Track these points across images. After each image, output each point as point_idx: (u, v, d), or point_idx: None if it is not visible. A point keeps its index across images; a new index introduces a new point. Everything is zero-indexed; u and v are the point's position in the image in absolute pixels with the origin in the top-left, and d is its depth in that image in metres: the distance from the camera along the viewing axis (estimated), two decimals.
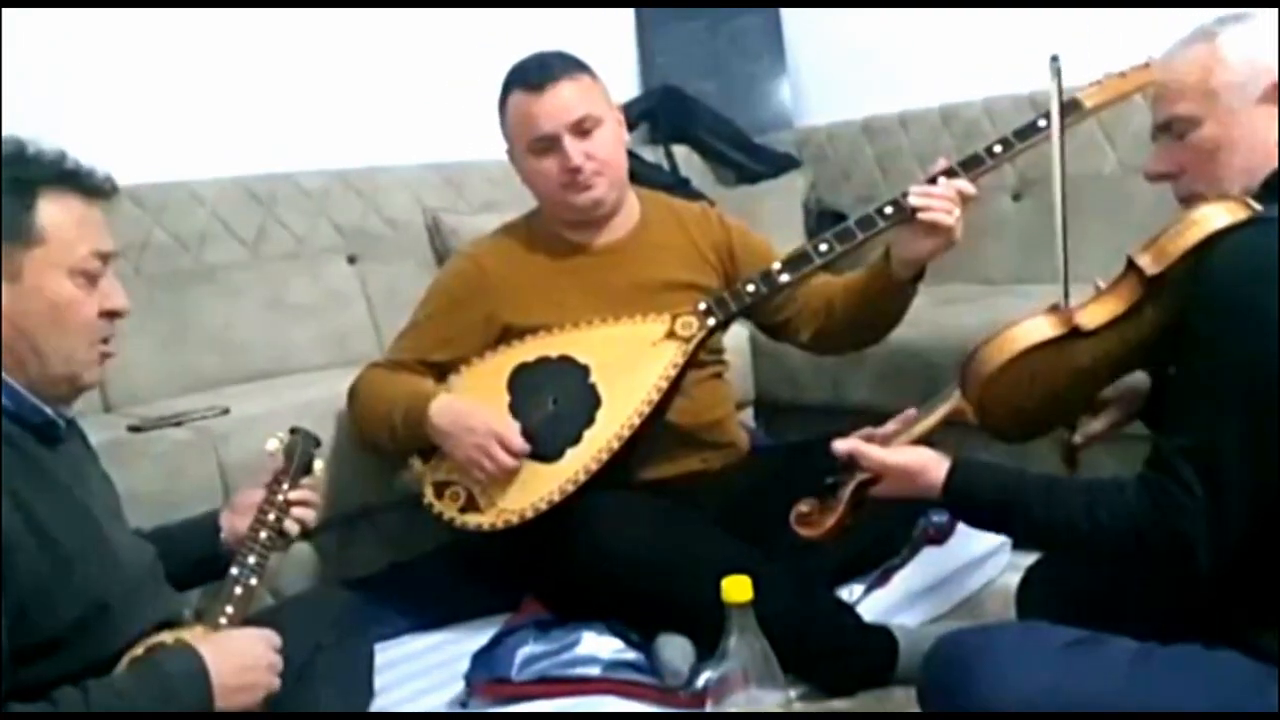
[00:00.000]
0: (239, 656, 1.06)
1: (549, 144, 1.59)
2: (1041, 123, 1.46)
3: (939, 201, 1.45)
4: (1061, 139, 1.24)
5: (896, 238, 1.51)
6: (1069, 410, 1.18)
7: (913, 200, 1.46)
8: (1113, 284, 1.10)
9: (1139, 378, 1.21)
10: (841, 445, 1.18)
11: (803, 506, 1.22)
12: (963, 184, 1.47)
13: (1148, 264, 1.05)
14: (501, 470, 1.50)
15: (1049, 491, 1.06)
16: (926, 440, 1.18)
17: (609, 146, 1.62)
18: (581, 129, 1.59)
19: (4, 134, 1.07)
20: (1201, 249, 1.01)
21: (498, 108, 1.66)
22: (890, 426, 1.22)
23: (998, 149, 1.49)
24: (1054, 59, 1.21)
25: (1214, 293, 0.98)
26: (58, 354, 1.05)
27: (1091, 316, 1.09)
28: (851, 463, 1.18)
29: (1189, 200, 1.09)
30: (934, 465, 1.13)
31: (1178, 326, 1.03)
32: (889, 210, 1.50)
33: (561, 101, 1.58)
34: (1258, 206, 1.02)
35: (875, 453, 1.16)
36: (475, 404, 1.56)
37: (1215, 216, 1.02)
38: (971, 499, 1.12)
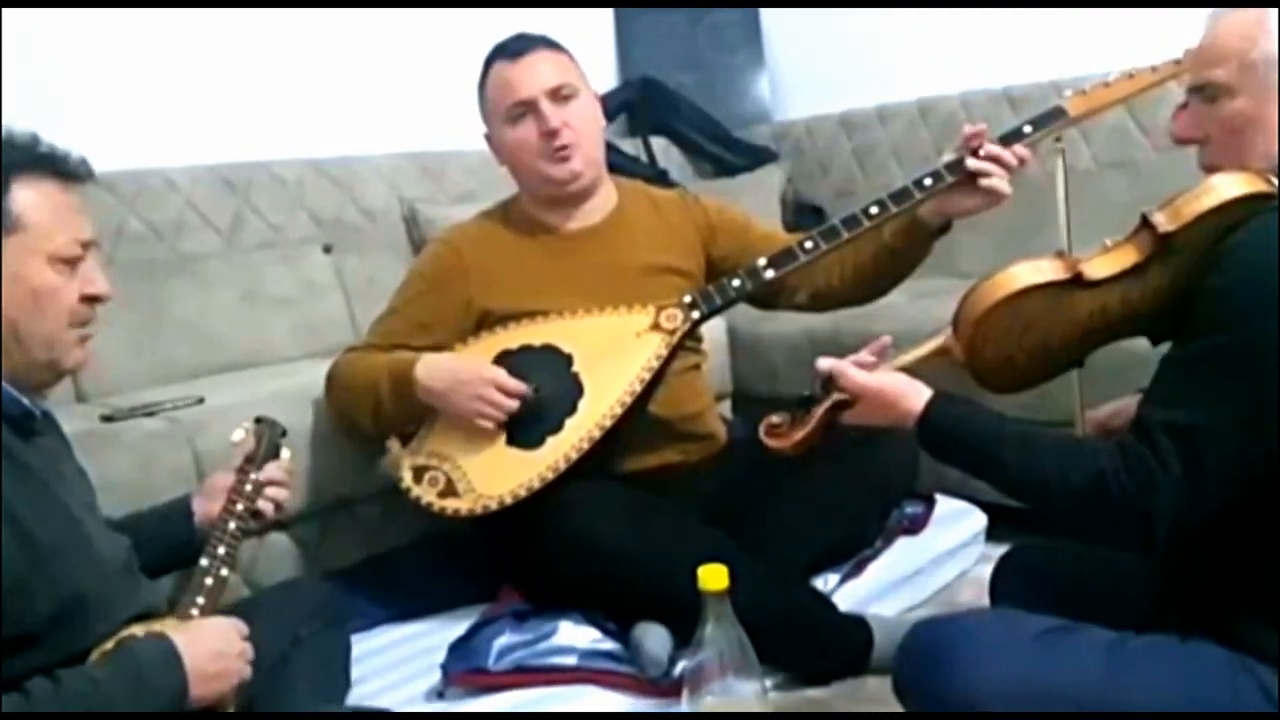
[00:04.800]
0: (210, 643, 1.06)
1: (526, 109, 1.59)
2: (1062, 101, 1.48)
3: (1000, 168, 1.46)
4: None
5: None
6: (1056, 367, 1.17)
7: (972, 164, 1.46)
8: (1123, 240, 1.08)
9: (1130, 408, 1.17)
10: (824, 363, 1.17)
11: (774, 418, 1.21)
12: (1025, 151, 1.47)
13: (1162, 221, 1.04)
14: (504, 413, 1.50)
15: (1025, 442, 1.05)
16: (909, 374, 1.16)
17: (586, 119, 1.63)
18: (559, 95, 1.60)
19: None
20: (1214, 216, 1.00)
21: (478, 88, 1.66)
22: (868, 356, 1.21)
23: (1028, 129, 1.49)
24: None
25: (1229, 275, 0.97)
26: (38, 340, 1.04)
27: (1097, 267, 1.08)
28: (830, 382, 1.17)
29: (1210, 171, 1.06)
30: (913, 394, 1.11)
31: (1177, 302, 1.02)
32: (874, 210, 1.52)
33: (540, 68, 1.60)
34: (1277, 182, 1.00)
35: (855, 375, 1.14)
36: (459, 357, 1.57)
37: (1232, 185, 1.01)
38: (948, 434, 1.10)
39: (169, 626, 1.06)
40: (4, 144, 1.04)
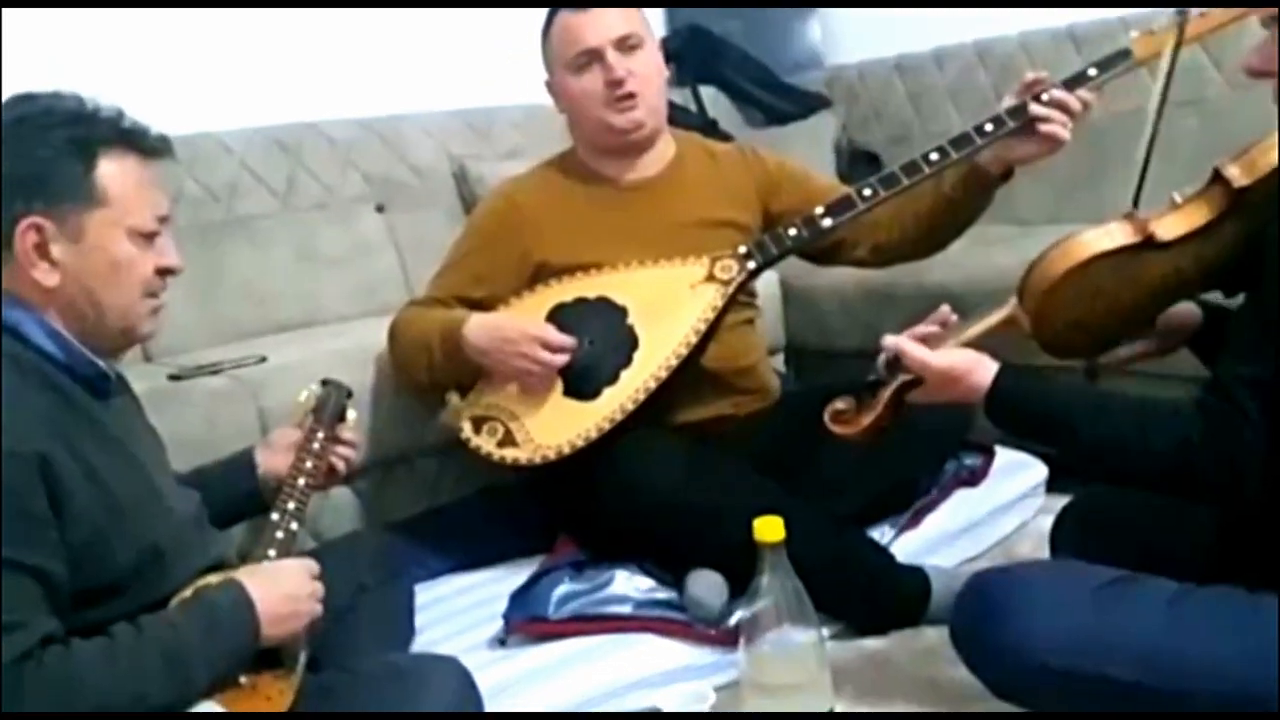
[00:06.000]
0: (281, 586, 1.09)
1: (591, 58, 1.59)
2: (1128, 42, 1.42)
3: (1063, 113, 1.43)
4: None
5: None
6: (1126, 329, 1.13)
7: (1035, 110, 1.43)
8: (1194, 195, 1.04)
9: (1185, 309, 1.16)
10: (890, 340, 1.14)
11: (839, 404, 1.18)
12: (1089, 95, 1.44)
13: (1236, 175, 1.00)
14: (551, 370, 1.52)
15: (1100, 408, 1.02)
16: (974, 348, 1.13)
17: (650, 69, 1.63)
18: (625, 45, 1.60)
19: (51, 89, 1.08)
20: None
21: (541, 36, 1.66)
22: (931, 327, 1.17)
23: (1092, 73, 1.45)
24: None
25: None
26: (114, 309, 1.08)
27: (1169, 227, 1.04)
28: (895, 362, 1.14)
29: None
30: (980, 368, 1.08)
31: (1252, 251, 0.98)
32: (934, 156, 1.49)
33: (606, 17, 1.60)
34: None
35: (920, 353, 1.11)
36: (506, 315, 1.58)
37: None
38: (1018, 407, 1.07)
39: (242, 572, 1.10)
40: (91, 118, 1.07)
